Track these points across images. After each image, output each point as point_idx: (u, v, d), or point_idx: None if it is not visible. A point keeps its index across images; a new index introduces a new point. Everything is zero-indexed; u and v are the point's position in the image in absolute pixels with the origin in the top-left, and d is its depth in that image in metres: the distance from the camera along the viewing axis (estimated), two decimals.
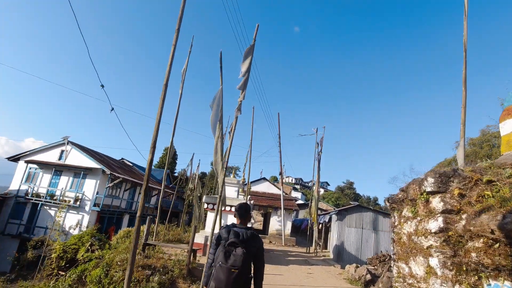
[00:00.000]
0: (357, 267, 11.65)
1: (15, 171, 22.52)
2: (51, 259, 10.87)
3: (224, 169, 5.73)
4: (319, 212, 23.83)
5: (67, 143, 22.36)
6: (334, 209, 27.84)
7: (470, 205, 2.46)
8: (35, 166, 22.10)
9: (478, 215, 2.31)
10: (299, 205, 38.98)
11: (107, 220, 22.40)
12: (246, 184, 20.74)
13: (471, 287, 2.32)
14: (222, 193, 5.83)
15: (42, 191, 21.28)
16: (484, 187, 2.50)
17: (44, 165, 21.71)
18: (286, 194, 34.94)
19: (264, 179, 30.85)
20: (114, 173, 20.98)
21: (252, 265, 2.87)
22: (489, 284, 2.24)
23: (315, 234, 19.98)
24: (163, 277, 8.34)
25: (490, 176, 2.55)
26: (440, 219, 2.66)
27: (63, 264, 10.86)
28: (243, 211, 3.13)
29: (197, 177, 22.52)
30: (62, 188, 21.03)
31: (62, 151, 22.52)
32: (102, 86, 4.51)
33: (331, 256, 18.79)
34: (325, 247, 23.94)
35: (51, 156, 22.48)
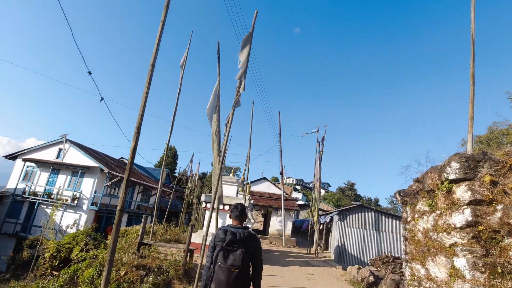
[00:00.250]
0: (359, 268, 11.32)
1: (13, 169, 22.25)
2: (44, 258, 10.56)
3: (221, 163, 5.41)
4: (320, 212, 23.49)
5: (65, 141, 22.08)
6: (335, 209, 27.48)
7: (506, 195, 2.11)
8: (32, 164, 21.83)
9: None
10: (299, 205, 38.62)
11: (105, 220, 22.10)
12: (246, 183, 20.43)
13: None
14: (217, 188, 5.52)
15: (40, 189, 21.01)
16: None
17: (42, 164, 21.44)
18: (287, 194, 34.63)
19: (265, 179, 30.53)
20: (112, 172, 20.69)
21: (250, 264, 2.87)
22: None
23: (316, 234, 19.62)
24: (158, 277, 8.03)
25: None
26: (467, 211, 2.27)
27: (56, 264, 10.55)
28: (238, 212, 3.10)
29: (196, 176, 22.22)
30: (60, 187, 20.74)
31: (60, 150, 22.25)
32: (89, 72, 4.21)
33: (332, 257, 18.43)
34: (326, 248, 23.58)
35: (49, 155, 22.21)
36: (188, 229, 18.72)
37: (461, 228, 2.29)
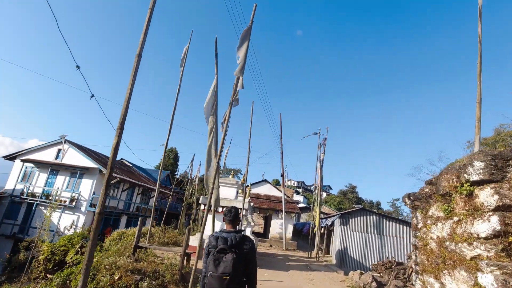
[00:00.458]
0: (361, 273, 11.01)
1: (11, 170, 22.08)
2: (38, 261, 10.32)
3: (217, 163, 5.16)
4: (321, 215, 23.17)
5: (64, 142, 21.90)
6: (337, 212, 27.16)
7: None
8: (31, 165, 21.66)
9: None
10: (301, 208, 38.26)
11: (103, 221, 21.84)
12: (245, 185, 20.15)
13: None
14: (213, 189, 5.27)
15: (38, 190, 20.82)
16: None
17: (41, 164, 21.26)
18: (288, 197, 34.31)
19: (265, 181, 30.24)
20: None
21: (244, 268, 2.79)
22: None
23: (317, 238, 19.30)
24: (153, 282, 7.76)
25: None
26: (494, 219, 1.93)
27: (50, 267, 10.31)
28: (231, 217, 3.04)
29: (196, 178, 21.98)
30: (58, 188, 20.54)
31: (59, 150, 22.07)
32: (78, 67, 4.00)
33: (334, 261, 18.09)
34: (328, 251, 23.23)
35: (48, 155, 22.03)
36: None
37: (486, 238, 1.95)
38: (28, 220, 19.98)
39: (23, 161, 21.48)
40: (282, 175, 26.73)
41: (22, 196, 20.48)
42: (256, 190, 28.91)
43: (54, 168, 21.22)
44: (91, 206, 20.00)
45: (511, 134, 12.41)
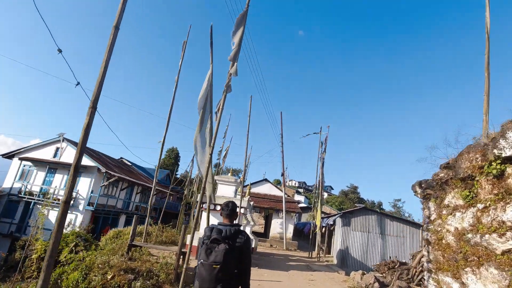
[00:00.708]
0: (363, 274, 10.70)
1: (9, 168, 21.89)
2: (31, 260, 10.06)
3: (210, 155, 4.87)
4: (322, 215, 22.84)
5: (63, 140, 21.68)
6: (338, 212, 26.80)
7: None
8: (29, 163, 21.45)
9: None
10: (302, 208, 37.95)
11: (102, 220, 21.62)
12: (243, 181, 19.85)
13: None
14: (205, 183, 4.98)
15: (36, 189, 20.60)
16: None
17: (38, 163, 21.04)
18: (289, 196, 33.99)
19: (266, 180, 29.93)
20: (109, 172, 20.22)
21: (237, 261, 2.75)
22: None
23: (318, 238, 18.99)
24: (147, 282, 7.49)
25: None
26: None
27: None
28: (228, 211, 3.04)
29: (197, 178, 21.72)
30: (56, 187, 20.30)
31: (57, 148, 21.85)
32: (60, 50, 3.73)
33: (335, 262, 17.77)
34: (329, 251, 22.90)
35: (46, 154, 21.82)
36: (195, 229, 18.21)
37: None
38: (26, 219, 19.74)
39: (21, 159, 21.28)
40: (282, 174, 26.44)
41: (20, 195, 20.26)
42: (256, 190, 28.61)
43: (52, 167, 21.00)
44: (89, 204, 19.76)
45: None
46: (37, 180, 21.01)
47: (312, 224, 19.54)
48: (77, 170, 3.46)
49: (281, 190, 27.37)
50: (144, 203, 27.66)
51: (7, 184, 21.14)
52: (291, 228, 24.75)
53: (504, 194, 1.69)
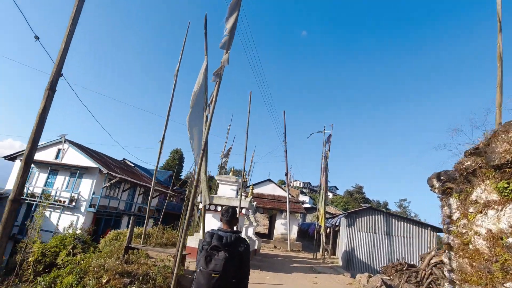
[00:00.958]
0: (369, 276, 10.32)
1: (12, 170, 21.83)
2: (28, 263, 9.84)
3: (202, 152, 4.56)
4: (327, 216, 22.43)
5: (64, 142, 21.57)
6: (343, 213, 26.34)
7: None
8: (31, 165, 21.36)
9: None
10: (306, 208, 37.49)
11: (104, 222, 21.44)
12: (248, 186, 19.54)
13: None
14: (197, 182, 4.67)
15: (38, 191, 20.50)
16: None
17: (40, 164, 20.95)
18: (293, 196, 33.57)
19: (269, 180, 29.56)
20: (111, 173, 20.03)
21: (236, 269, 2.72)
22: None
23: (323, 238, 18.59)
24: (144, 286, 7.19)
25: None
26: None
27: (41, 269, 9.83)
28: (228, 217, 3.02)
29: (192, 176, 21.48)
30: (58, 188, 20.18)
31: (59, 150, 21.74)
32: (37, 38, 3.47)
33: (340, 263, 17.35)
34: (334, 253, 22.49)
35: (48, 155, 21.73)
36: (188, 232, 17.92)
37: None
38: (29, 221, 19.64)
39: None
40: (286, 174, 26.06)
41: (22, 197, 20.16)
42: (259, 190, 28.27)
43: (54, 168, 20.89)
44: (90, 206, 19.59)
45: None
46: (39, 181, 20.92)
47: (316, 225, 19.13)
48: (29, 163, 3.12)
49: (285, 191, 27.00)
50: (146, 204, 27.45)
51: (9, 186, 21.10)
52: (295, 229, 24.36)
53: None
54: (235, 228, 3.10)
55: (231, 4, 4.36)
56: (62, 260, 9.75)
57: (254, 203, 17.35)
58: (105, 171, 19.84)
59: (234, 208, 3.19)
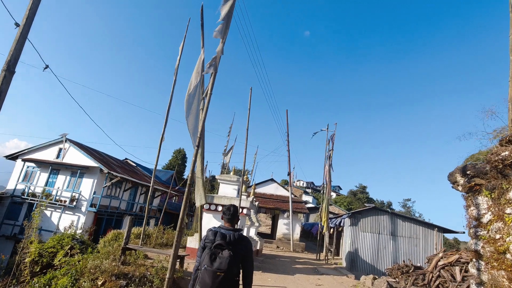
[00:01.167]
0: (374, 278, 9.99)
1: (13, 170, 21.76)
2: (24, 263, 9.65)
3: (197, 143, 4.30)
4: (330, 216, 22.09)
5: (65, 141, 21.44)
6: (347, 213, 25.98)
7: None
8: (32, 164, 21.27)
9: None
10: (309, 209, 37.16)
11: (105, 222, 21.29)
12: (249, 185, 19.27)
13: None
14: (191, 179, 4.40)
15: (39, 190, 20.38)
16: None
17: (42, 164, 20.83)
18: (296, 196, 33.25)
19: (272, 180, 29.26)
20: (112, 172, 19.86)
21: (240, 268, 2.80)
22: None
23: (326, 239, 18.27)
24: None
25: None
26: None
27: (37, 270, 9.63)
28: (230, 215, 3.04)
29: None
30: (58, 188, 20.05)
31: (60, 149, 21.62)
32: (17, 24, 3.25)
33: (344, 264, 17.02)
34: (337, 253, 22.16)
35: (49, 155, 21.61)
36: (187, 232, 17.67)
37: None
38: (29, 221, 19.53)
39: (24, 160, 21.12)
40: (289, 174, 25.76)
41: (23, 196, 20.07)
42: (262, 190, 27.99)
43: (55, 168, 20.77)
44: (91, 206, 19.44)
45: None
46: (40, 181, 20.80)
47: (319, 225, 18.81)
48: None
49: (288, 190, 26.69)
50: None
51: (10, 186, 21.00)
52: (298, 229, 24.05)
53: None
54: (236, 227, 3.10)
55: None
56: (59, 261, 9.54)
57: (256, 203, 17.06)
58: (106, 170, 19.68)
59: (235, 206, 3.16)
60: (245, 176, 15.06)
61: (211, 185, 44.12)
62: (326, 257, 17.53)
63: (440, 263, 8.52)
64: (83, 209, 19.45)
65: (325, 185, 17.97)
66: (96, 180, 19.99)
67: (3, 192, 20.71)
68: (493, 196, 1.74)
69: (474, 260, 1.97)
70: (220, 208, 11.36)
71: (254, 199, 16.09)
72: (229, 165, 22.67)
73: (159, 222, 12.94)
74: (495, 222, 1.67)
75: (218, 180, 12.46)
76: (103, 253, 9.03)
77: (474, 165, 1.94)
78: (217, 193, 12.87)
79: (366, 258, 16.37)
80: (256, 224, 15.94)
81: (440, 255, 8.86)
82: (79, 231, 16.25)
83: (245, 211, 11.65)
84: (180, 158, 55.51)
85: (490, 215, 1.72)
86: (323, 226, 17.84)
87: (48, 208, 19.86)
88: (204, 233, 10.58)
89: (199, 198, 4.72)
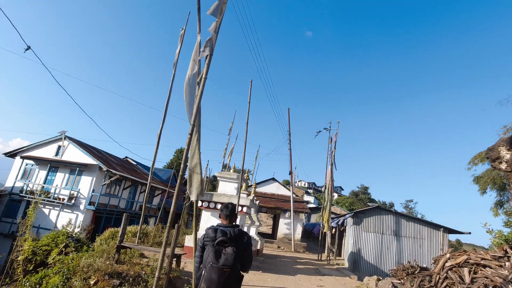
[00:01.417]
0: (378, 280, 9.65)
1: (12, 167, 21.56)
2: (17, 262, 9.37)
3: (192, 135, 4.00)
4: (332, 216, 21.74)
5: (64, 138, 21.22)
6: (349, 212, 25.62)
7: None
8: (31, 162, 21.06)
9: None
10: (311, 209, 36.80)
11: (104, 220, 21.04)
12: (250, 185, 18.96)
13: None
14: (183, 172, 4.10)
15: (37, 188, 20.16)
16: None
17: (40, 161, 20.61)
18: (297, 196, 32.90)
19: (273, 179, 28.94)
20: (111, 170, 19.60)
21: (241, 261, 2.84)
22: None
23: (328, 239, 17.92)
24: None
25: None
26: None
27: (31, 268, 9.37)
28: (228, 212, 3.09)
29: (205, 177, 20.95)
30: (57, 185, 19.82)
31: (59, 147, 21.40)
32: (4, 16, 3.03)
33: (346, 265, 16.67)
34: (339, 254, 21.81)
35: (48, 152, 21.39)
36: (187, 230, 17.38)
37: None
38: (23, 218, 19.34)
39: (23, 158, 20.90)
40: (290, 173, 25.43)
41: (21, 194, 19.86)
42: (263, 189, 27.68)
43: (54, 165, 20.54)
44: (90, 204, 19.19)
45: None
46: (39, 178, 20.59)
47: (321, 225, 18.47)
48: None
49: (289, 190, 26.36)
50: (148, 202, 27.05)
51: (9, 183, 20.80)
52: (299, 229, 23.72)
53: None
54: (234, 223, 3.11)
55: None
56: (53, 259, 9.27)
57: (257, 202, 16.75)
58: (105, 168, 19.43)
59: (233, 204, 3.19)
60: (245, 174, 14.75)
61: (212, 185, 43.86)
62: (328, 258, 17.20)
63: (447, 264, 8.17)
64: (82, 207, 19.21)
65: (327, 184, 17.62)
66: (95, 178, 19.75)
67: (2, 189, 20.50)
68: None
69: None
70: (219, 206, 11.06)
71: (255, 197, 15.78)
72: (230, 165, 22.38)
73: (157, 220, 12.64)
74: None
75: (218, 178, 12.15)
76: (97, 252, 8.76)
77: None
78: (216, 191, 12.58)
79: (369, 259, 16.01)
80: (257, 223, 15.62)
81: (448, 256, 8.51)
82: (77, 230, 16.01)
83: (245, 209, 11.34)
84: (181, 157, 55.51)
85: None
86: (324, 225, 17.50)
87: (46, 206, 19.67)
88: (200, 232, 10.25)
89: (195, 192, 4.40)
